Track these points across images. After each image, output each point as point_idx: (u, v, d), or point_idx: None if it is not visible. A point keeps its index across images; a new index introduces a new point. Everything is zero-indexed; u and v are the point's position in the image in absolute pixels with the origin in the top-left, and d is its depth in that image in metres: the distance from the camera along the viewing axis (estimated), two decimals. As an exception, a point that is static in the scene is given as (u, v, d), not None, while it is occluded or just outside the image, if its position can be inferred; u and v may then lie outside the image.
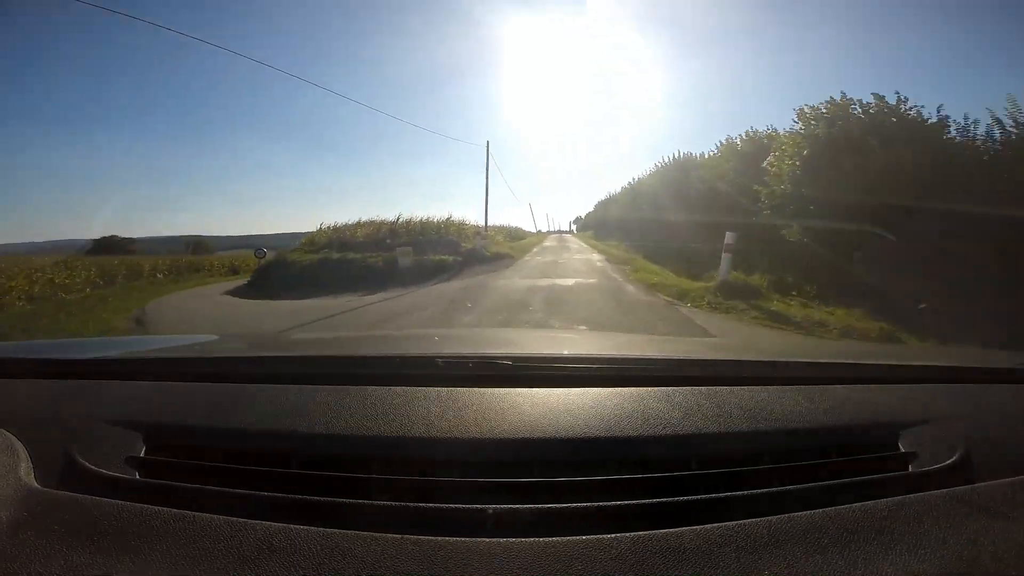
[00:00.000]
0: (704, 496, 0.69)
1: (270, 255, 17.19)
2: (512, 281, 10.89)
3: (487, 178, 21.24)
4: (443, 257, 15.06)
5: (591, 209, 58.84)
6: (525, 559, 0.58)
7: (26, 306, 10.35)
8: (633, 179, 27.85)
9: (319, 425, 0.80)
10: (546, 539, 0.61)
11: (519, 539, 0.61)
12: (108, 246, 35.33)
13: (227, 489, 0.70)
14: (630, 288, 9.23)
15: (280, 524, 0.63)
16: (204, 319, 8.71)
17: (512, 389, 0.89)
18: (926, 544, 0.62)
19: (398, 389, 0.90)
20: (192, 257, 30.27)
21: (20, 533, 0.63)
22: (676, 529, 0.63)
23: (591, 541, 0.61)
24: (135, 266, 23.62)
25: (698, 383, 0.94)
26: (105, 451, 0.76)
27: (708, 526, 0.63)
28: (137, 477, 0.73)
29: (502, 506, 0.66)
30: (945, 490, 0.72)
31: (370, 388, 0.91)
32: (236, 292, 13.22)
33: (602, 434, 0.77)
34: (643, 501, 0.68)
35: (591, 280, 10.70)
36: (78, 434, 0.79)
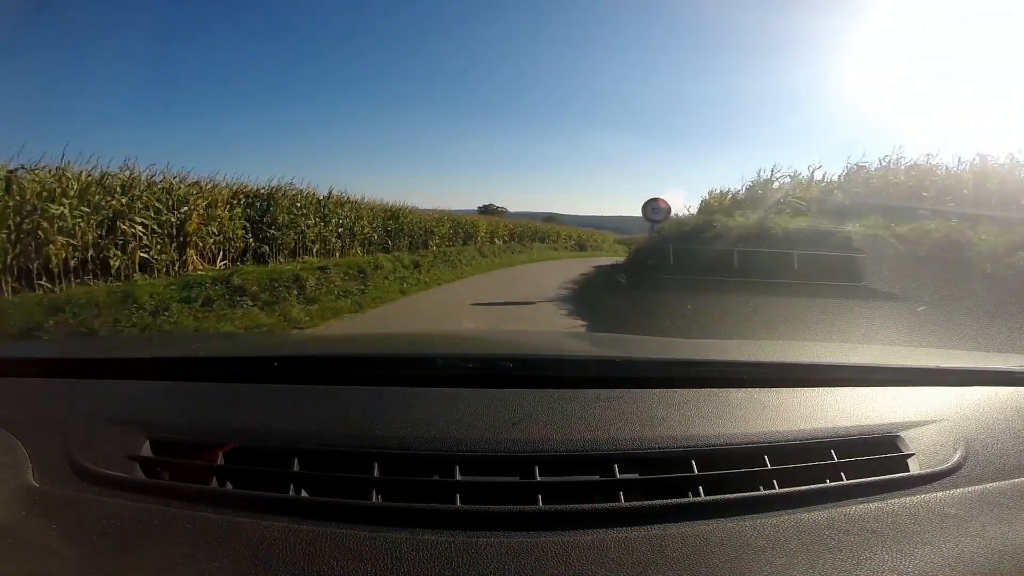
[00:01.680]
0: (705, 497, 0.69)
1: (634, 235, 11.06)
2: None
3: None
4: None
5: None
6: (526, 558, 0.58)
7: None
8: None
9: (320, 425, 0.81)
10: (547, 539, 0.61)
11: (520, 538, 0.61)
12: (487, 211, 40.09)
13: (228, 489, 0.70)
14: None
15: (281, 523, 0.63)
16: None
17: (513, 390, 0.89)
18: (926, 545, 0.63)
19: (399, 389, 0.90)
20: (538, 224, 29.06)
21: (21, 532, 0.62)
22: (678, 530, 0.63)
23: (592, 541, 0.61)
24: (471, 225, 20.40)
25: (699, 384, 0.93)
26: (105, 450, 0.75)
27: (709, 527, 0.64)
28: (137, 476, 0.72)
29: (503, 506, 0.66)
30: (945, 491, 0.72)
31: (371, 388, 0.91)
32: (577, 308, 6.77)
33: (602, 435, 0.77)
34: (644, 502, 0.67)
35: None
36: (78, 433, 0.79)
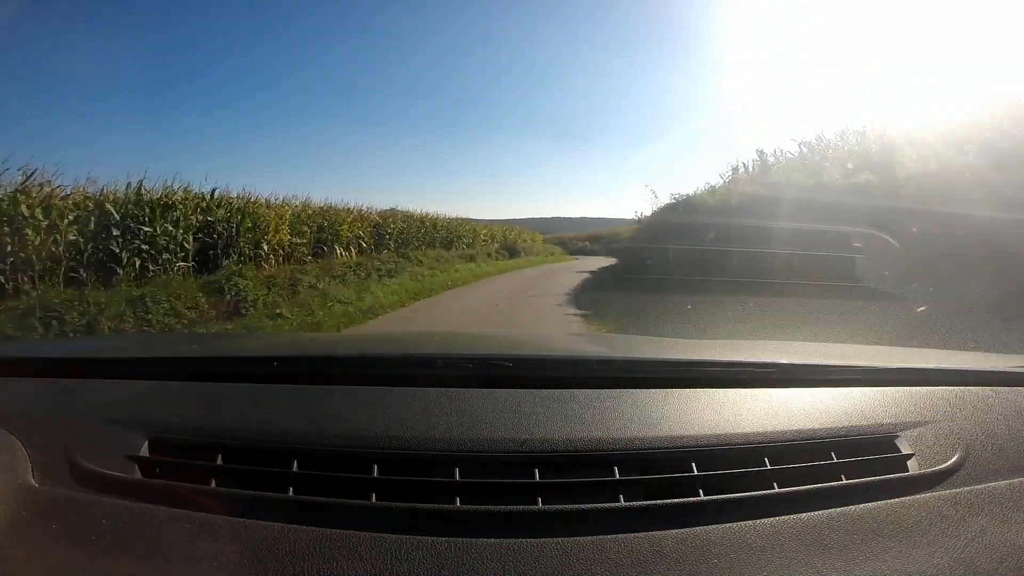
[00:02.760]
0: (704, 498, 0.69)
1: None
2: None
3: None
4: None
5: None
6: (526, 559, 0.59)
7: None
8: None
9: (319, 425, 0.80)
10: (547, 540, 0.61)
11: (520, 539, 0.61)
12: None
13: (227, 489, 0.70)
14: None
15: (280, 524, 0.63)
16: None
17: (512, 390, 0.89)
18: (925, 545, 0.63)
19: (398, 389, 0.90)
20: (440, 219, 19.97)
21: (20, 532, 0.63)
22: (677, 531, 0.63)
23: (592, 542, 0.61)
24: (257, 216, 11.05)
25: (697, 384, 0.94)
26: (105, 450, 0.75)
27: (708, 527, 0.64)
28: (137, 476, 0.72)
29: (503, 506, 0.67)
30: (944, 492, 0.73)
31: (371, 388, 0.91)
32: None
33: (602, 435, 0.77)
34: (643, 503, 0.68)
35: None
36: (78, 433, 0.79)
